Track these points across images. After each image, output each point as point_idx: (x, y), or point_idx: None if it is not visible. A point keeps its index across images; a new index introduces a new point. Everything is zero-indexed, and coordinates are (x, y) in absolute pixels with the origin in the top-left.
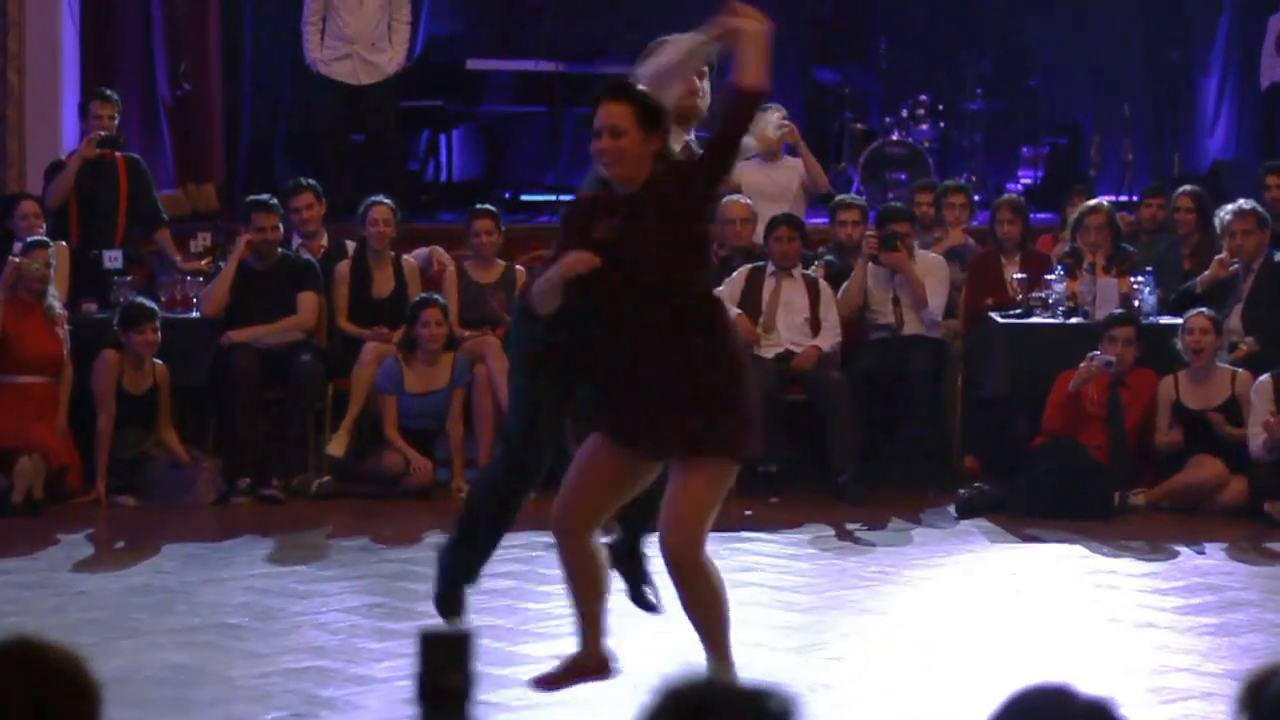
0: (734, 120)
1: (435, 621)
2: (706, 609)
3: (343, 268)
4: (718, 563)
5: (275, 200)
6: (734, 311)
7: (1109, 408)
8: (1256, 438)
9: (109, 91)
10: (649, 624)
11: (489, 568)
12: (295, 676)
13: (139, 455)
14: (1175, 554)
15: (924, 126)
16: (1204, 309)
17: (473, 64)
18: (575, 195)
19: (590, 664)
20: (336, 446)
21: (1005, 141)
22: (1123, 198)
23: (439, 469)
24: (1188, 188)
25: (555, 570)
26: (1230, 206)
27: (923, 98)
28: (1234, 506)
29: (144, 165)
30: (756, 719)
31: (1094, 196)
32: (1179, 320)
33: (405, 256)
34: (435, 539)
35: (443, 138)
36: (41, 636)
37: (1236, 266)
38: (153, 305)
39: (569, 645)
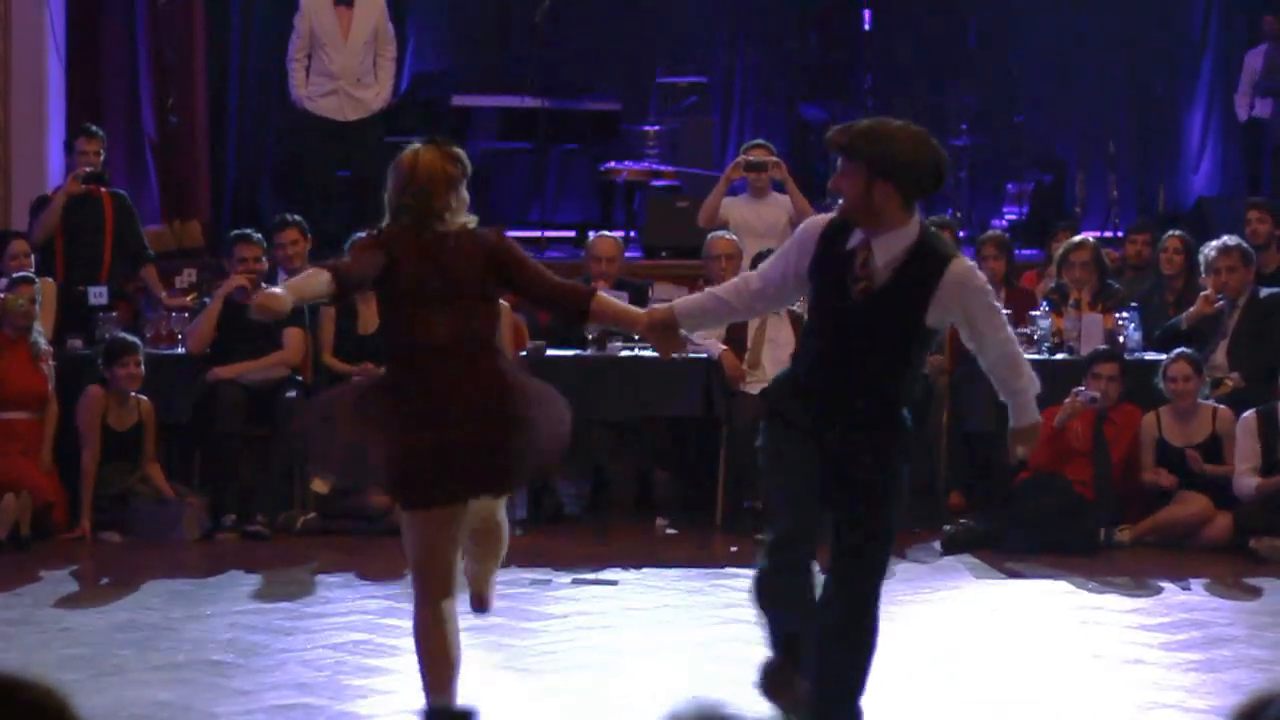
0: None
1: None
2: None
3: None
4: (703, 599)
5: (259, 234)
6: (720, 347)
7: (1094, 443)
8: (1242, 474)
9: (95, 128)
10: (636, 659)
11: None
12: (281, 713)
13: (124, 491)
14: (1160, 590)
15: None
16: (1185, 351)
17: (458, 100)
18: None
19: None
20: (322, 484)
21: (990, 178)
22: (1108, 234)
23: None
24: (1176, 231)
25: (539, 607)
26: (1215, 243)
27: None
28: (1219, 542)
29: (129, 201)
30: None
31: (1079, 233)
32: (1163, 357)
33: None
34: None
35: None
36: (22, 674)
37: (1222, 303)
38: (135, 339)
39: (554, 680)
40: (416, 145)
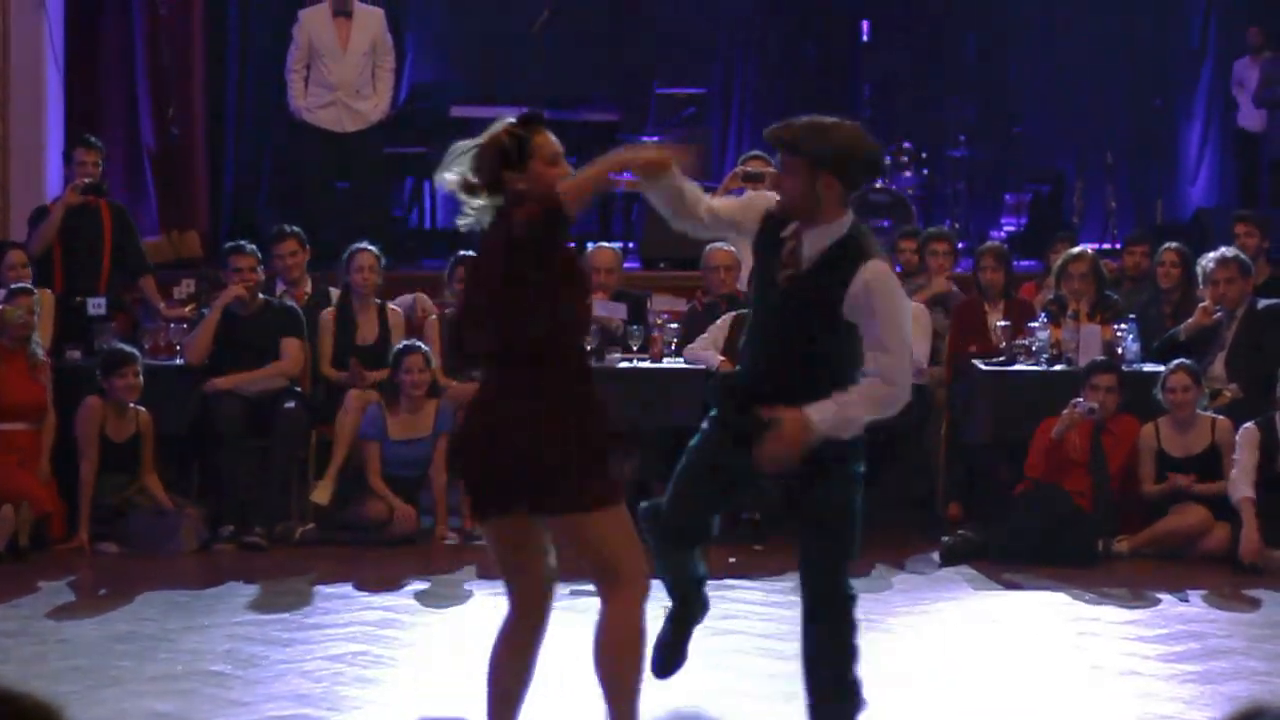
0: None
1: (429, 671)
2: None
3: (327, 315)
4: None
5: (253, 245)
6: (718, 359)
7: (1092, 454)
8: (1238, 484)
9: (93, 139)
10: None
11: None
12: None
13: (122, 502)
14: (1158, 601)
15: (907, 174)
16: (1184, 361)
17: (456, 111)
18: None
19: None
20: (321, 494)
21: (989, 189)
22: (1106, 245)
23: (423, 517)
24: (1174, 244)
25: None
26: (1213, 255)
27: (906, 145)
28: (1217, 553)
29: (128, 212)
30: None
31: (1077, 244)
32: (1162, 368)
33: (390, 305)
34: (419, 586)
35: (426, 184)
36: (17, 686)
37: (1220, 315)
38: (133, 350)
39: (550, 689)
40: None
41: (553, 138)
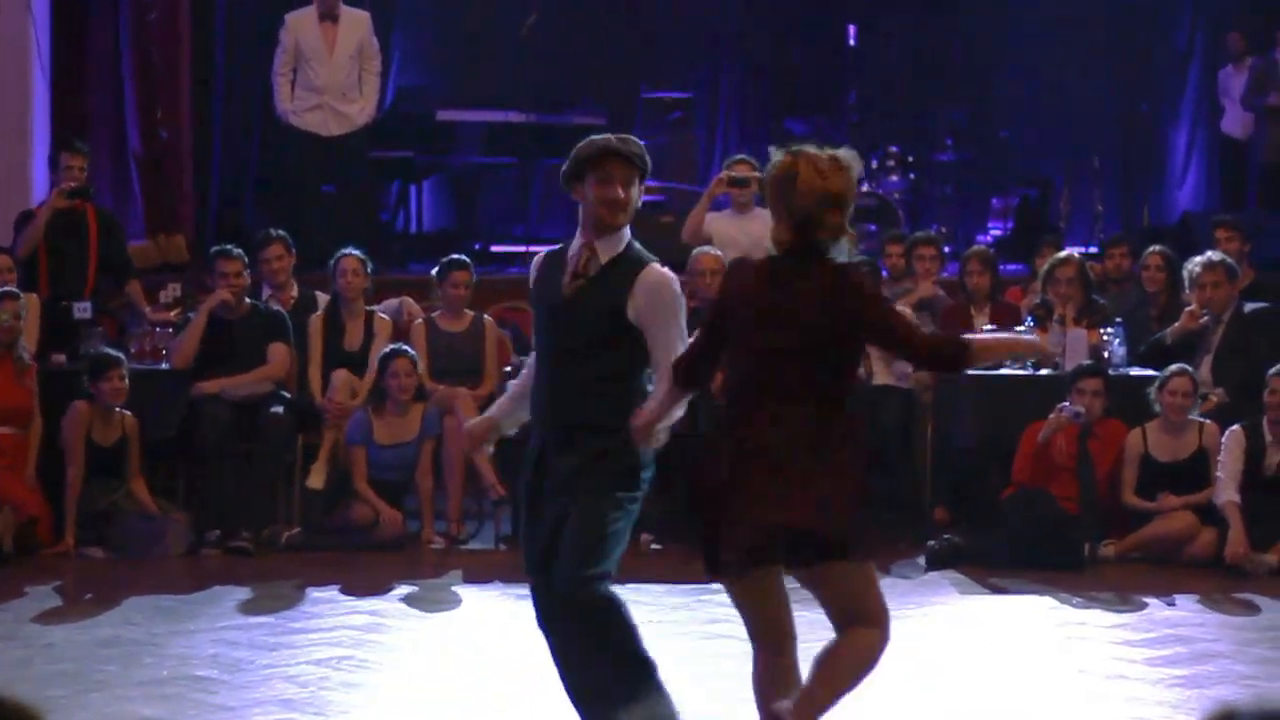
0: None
1: (415, 675)
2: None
3: (316, 320)
4: (687, 614)
5: (239, 249)
6: None
7: (1078, 459)
8: (1224, 488)
9: (79, 143)
10: None
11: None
12: None
13: (108, 507)
14: (1145, 605)
15: (894, 177)
16: (1185, 368)
17: (443, 115)
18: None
19: None
20: (316, 479)
21: (975, 193)
22: (1093, 249)
23: (409, 521)
24: (1157, 247)
25: (522, 623)
26: (1199, 259)
27: (893, 149)
28: (1204, 558)
29: (114, 216)
30: None
31: (1064, 248)
32: (1148, 372)
33: (377, 311)
34: (405, 590)
35: (413, 188)
36: (1, 690)
37: (1206, 319)
38: (118, 354)
39: (536, 695)
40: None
41: None
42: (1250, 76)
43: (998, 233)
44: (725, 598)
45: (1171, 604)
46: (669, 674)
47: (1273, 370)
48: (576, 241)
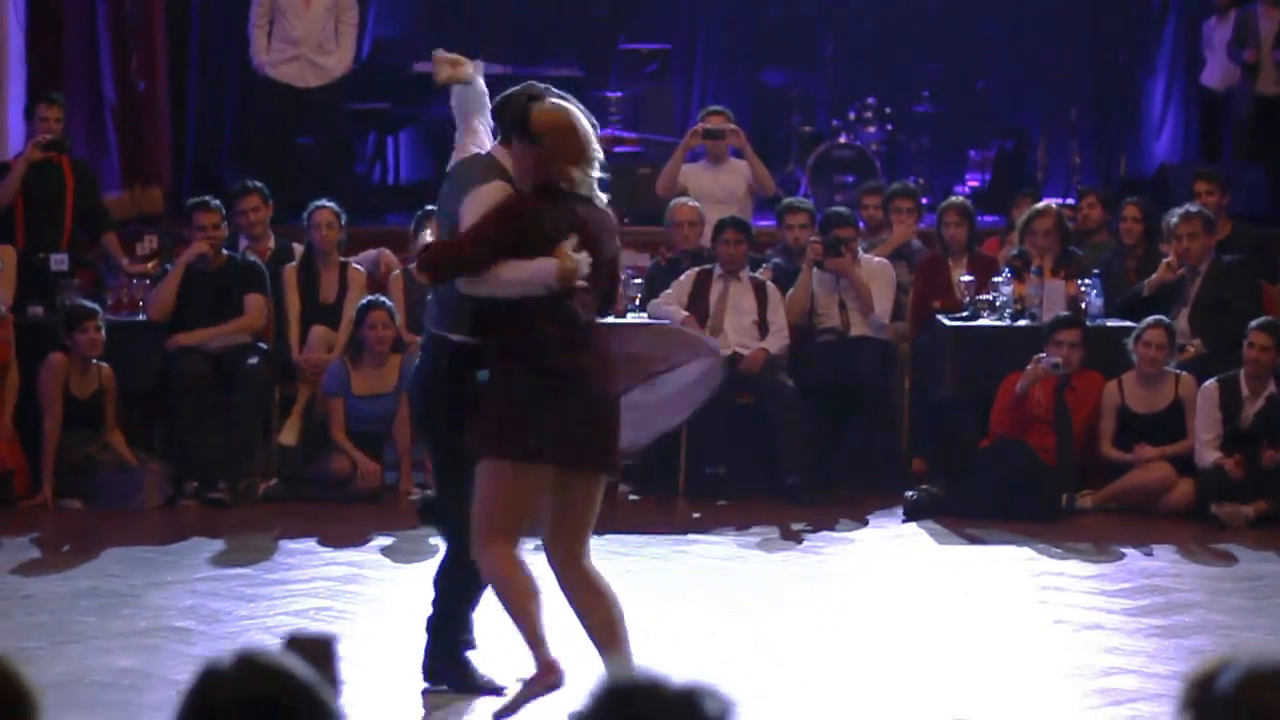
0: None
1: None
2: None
3: (290, 272)
4: (666, 564)
5: (217, 201)
6: (682, 314)
7: (1056, 410)
8: (1204, 445)
9: (55, 95)
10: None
11: None
12: None
13: (86, 459)
14: (1122, 555)
15: (871, 129)
16: (1162, 319)
17: (419, 67)
18: None
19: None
20: (288, 435)
21: (952, 144)
22: (1069, 201)
23: (386, 472)
24: (1135, 199)
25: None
26: (1178, 210)
27: (870, 100)
28: (1181, 508)
29: (90, 168)
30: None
31: (1041, 199)
32: (1125, 323)
33: (352, 263)
34: (383, 541)
35: (390, 140)
36: None
37: (1183, 270)
38: (94, 305)
39: (514, 646)
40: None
41: None
42: (1234, 28)
43: (975, 184)
44: (704, 549)
45: (1148, 554)
46: (647, 623)
47: (1254, 323)
48: None
